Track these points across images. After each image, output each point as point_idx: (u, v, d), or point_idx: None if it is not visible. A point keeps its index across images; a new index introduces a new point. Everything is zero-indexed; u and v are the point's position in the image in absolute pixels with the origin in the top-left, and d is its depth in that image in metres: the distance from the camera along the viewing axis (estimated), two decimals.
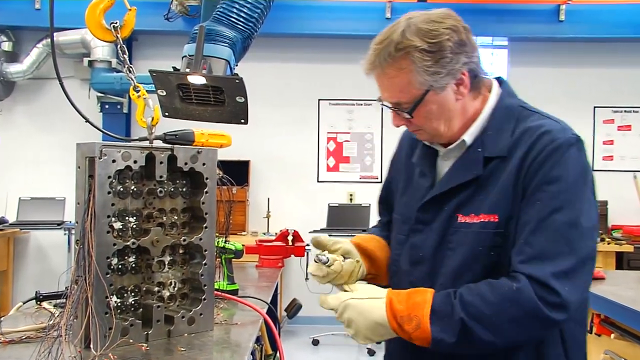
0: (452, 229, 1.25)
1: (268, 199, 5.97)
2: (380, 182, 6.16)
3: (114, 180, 1.46)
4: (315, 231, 5.24)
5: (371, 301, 1.21)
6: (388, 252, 1.46)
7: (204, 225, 1.63)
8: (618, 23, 5.64)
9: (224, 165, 1.77)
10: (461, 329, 1.12)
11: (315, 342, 5.28)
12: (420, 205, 1.32)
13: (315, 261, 1.35)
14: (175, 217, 1.64)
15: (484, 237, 1.21)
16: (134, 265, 1.53)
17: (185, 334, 1.58)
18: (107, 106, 5.83)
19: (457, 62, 1.23)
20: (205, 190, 1.63)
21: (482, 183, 1.24)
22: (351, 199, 6.11)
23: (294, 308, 5.54)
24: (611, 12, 5.64)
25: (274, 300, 2.98)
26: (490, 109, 1.31)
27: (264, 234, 5.69)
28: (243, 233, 5.63)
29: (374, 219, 6.05)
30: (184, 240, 1.61)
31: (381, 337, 1.21)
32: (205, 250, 1.63)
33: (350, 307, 1.24)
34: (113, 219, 1.47)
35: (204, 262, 1.63)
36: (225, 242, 2.18)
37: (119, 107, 5.86)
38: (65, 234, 5.62)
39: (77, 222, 1.42)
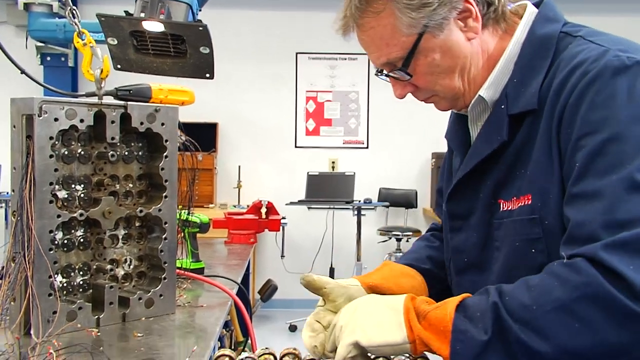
0: (496, 221, 1.06)
1: (239, 167, 5.94)
2: (367, 147, 6.17)
3: (56, 142, 1.42)
4: (292, 203, 5.25)
5: (387, 296, 1.03)
6: (429, 286, 1.22)
7: (164, 194, 1.61)
8: None
9: (188, 128, 1.74)
10: (495, 320, 0.87)
11: (293, 328, 5.33)
12: (447, 195, 1.16)
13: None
14: (130, 185, 1.61)
15: (519, 227, 1.01)
16: (82, 240, 1.51)
17: (143, 318, 1.57)
18: (48, 58, 5.69)
19: None
20: (164, 154, 1.60)
21: (517, 152, 1.04)
22: (333, 167, 6.11)
23: (268, 290, 5.60)
24: None
25: (246, 281, 2.99)
26: (517, 45, 1.09)
27: (234, 206, 5.67)
28: (210, 205, 5.61)
29: (360, 189, 6.09)
30: (141, 211, 1.59)
31: (381, 333, 0.94)
32: (166, 223, 1.62)
33: (356, 301, 1.04)
34: (57, 186, 1.44)
35: (163, 236, 1.62)
36: (188, 214, 2.16)
37: (63, 59, 5.73)
38: (1, 206, 5.54)
39: (13, 191, 1.39)
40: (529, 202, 1.00)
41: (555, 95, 0.99)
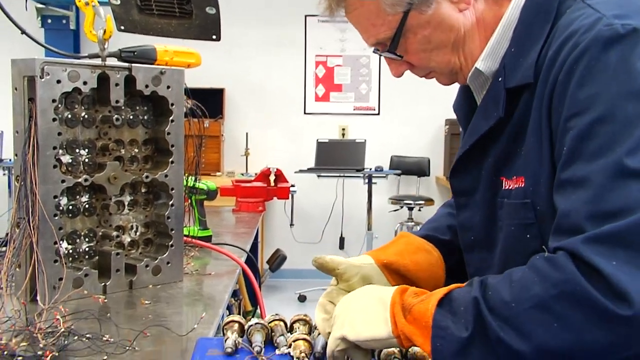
0: (499, 199, 1.03)
1: (246, 134, 5.93)
2: (378, 114, 6.13)
3: (59, 105, 1.42)
4: (301, 171, 5.24)
5: (383, 287, 1.03)
6: (448, 257, 1.20)
7: (170, 159, 1.61)
8: None
9: (194, 94, 1.73)
10: (476, 317, 0.85)
11: (302, 298, 5.37)
12: (451, 171, 1.14)
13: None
14: (136, 150, 1.61)
15: (513, 211, 0.99)
16: (87, 206, 1.52)
17: (150, 286, 1.58)
18: (49, 21, 5.65)
19: None
20: (170, 118, 1.60)
21: (516, 129, 1.00)
22: (343, 134, 6.08)
23: (277, 259, 5.63)
24: None
25: (254, 250, 3.00)
26: (516, 10, 1.03)
27: (242, 174, 5.68)
28: (217, 173, 5.61)
29: (371, 157, 6.05)
30: (147, 177, 1.59)
31: (367, 328, 0.93)
32: (172, 189, 1.62)
33: (355, 292, 1.04)
34: (60, 151, 1.44)
35: (170, 202, 1.62)
36: (195, 181, 2.16)
37: (64, 22, 5.69)
38: (4, 174, 5.57)
39: (16, 155, 1.39)
40: (522, 185, 0.97)
41: (547, 70, 0.94)
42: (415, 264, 1.15)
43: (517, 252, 0.98)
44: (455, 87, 1.19)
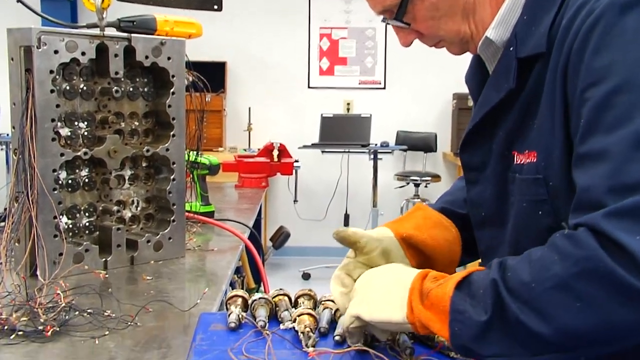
0: (511, 174, 1.01)
1: (249, 108, 5.91)
2: (384, 88, 6.10)
3: (57, 77, 1.41)
4: (305, 147, 5.24)
5: (407, 267, 1.02)
6: (464, 231, 1.19)
7: (171, 133, 1.61)
8: None
9: (196, 67, 1.72)
10: (495, 300, 0.83)
11: (306, 276, 5.40)
12: (460, 145, 1.13)
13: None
14: (136, 123, 1.61)
15: (525, 187, 0.97)
16: (87, 180, 1.52)
17: (152, 261, 1.59)
18: None
19: None
20: (171, 90, 1.59)
21: (528, 101, 0.99)
22: (348, 109, 6.06)
23: (280, 237, 5.64)
24: None
25: (257, 227, 3.01)
26: None
27: (245, 150, 5.67)
28: (220, 149, 5.61)
29: (377, 132, 6.02)
30: (147, 150, 1.59)
31: (383, 310, 0.91)
32: (174, 164, 1.62)
33: (377, 269, 1.03)
34: (59, 123, 1.44)
35: (171, 177, 1.62)
36: (197, 155, 2.16)
37: None
38: (1, 148, 5.58)
39: (13, 128, 1.39)
40: (534, 160, 0.96)
41: (561, 39, 0.91)
42: (433, 240, 1.14)
43: (528, 229, 0.97)
44: (464, 60, 1.18)
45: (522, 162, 0.99)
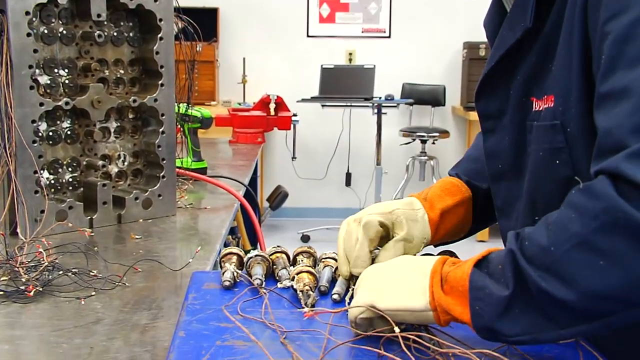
0: (529, 122, 1.01)
1: (243, 59, 5.86)
2: (389, 37, 6.05)
3: (34, 19, 1.40)
4: (304, 100, 5.21)
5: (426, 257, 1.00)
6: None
7: (160, 82, 1.60)
8: None
9: (185, 13, 1.71)
10: (515, 272, 0.81)
11: (305, 238, 5.43)
12: (476, 92, 1.12)
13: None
14: (121, 71, 1.60)
15: (542, 134, 0.97)
16: (69, 132, 1.51)
17: (140, 220, 1.59)
18: None
19: None
20: (159, 35, 1.58)
21: (547, 42, 0.98)
22: (351, 59, 6.01)
23: (278, 197, 5.65)
24: None
25: (253, 186, 3.01)
26: None
27: (239, 104, 5.64)
28: (212, 103, 5.58)
29: (381, 84, 5.97)
30: (134, 101, 1.58)
31: (401, 297, 0.90)
32: (163, 115, 1.61)
33: (385, 263, 1.00)
34: (37, 70, 1.42)
35: (161, 130, 1.61)
36: (188, 107, 2.14)
37: None
38: None
39: None
40: (552, 105, 0.94)
41: None
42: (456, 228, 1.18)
43: (546, 180, 0.95)
44: (476, 7, 1.16)
45: (540, 108, 0.98)
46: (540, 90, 0.98)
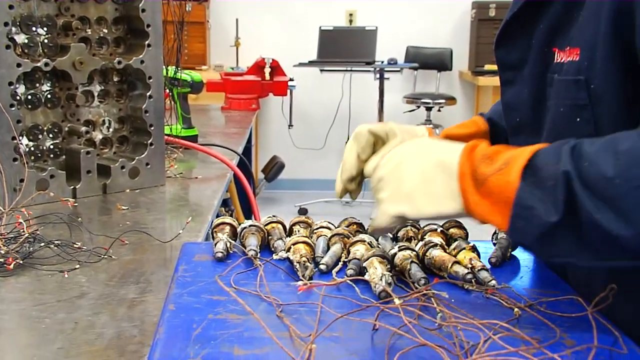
0: (550, 75, 1.02)
1: (236, 20, 5.83)
2: None
3: None
4: (301, 64, 5.19)
5: (442, 142, 0.98)
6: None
7: (146, 42, 1.58)
8: None
9: None
10: (567, 196, 0.80)
11: (303, 212, 5.44)
12: (495, 40, 1.13)
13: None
14: (105, 31, 1.59)
15: (564, 90, 0.97)
16: (49, 96, 1.51)
17: (127, 190, 1.59)
18: None
19: None
20: None
21: None
22: (351, 21, 5.99)
23: (274, 168, 5.65)
24: None
25: (247, 155, 3.01)
26: None
27: (232, 68, 5.62)
28: (203, 67, 5.56)
29: (383, 48, 5.95)
30: (119, 62, 1.57)
31: (432, 204, 0.91)
32: (150, 78, 1.60)
33: (403, 147, 0.99)
34: (13, 28, 1.41)
35: (148, 94, 1.60)
36: (177, 70, 2.13)
37: None
38: None
39: None
40: (577, 59, 0.95)
41: None
42: None
43: (565, 137, 0.92)
44: None
45: (562, 60, 0.98)
46: (564, 41, 0.98)
